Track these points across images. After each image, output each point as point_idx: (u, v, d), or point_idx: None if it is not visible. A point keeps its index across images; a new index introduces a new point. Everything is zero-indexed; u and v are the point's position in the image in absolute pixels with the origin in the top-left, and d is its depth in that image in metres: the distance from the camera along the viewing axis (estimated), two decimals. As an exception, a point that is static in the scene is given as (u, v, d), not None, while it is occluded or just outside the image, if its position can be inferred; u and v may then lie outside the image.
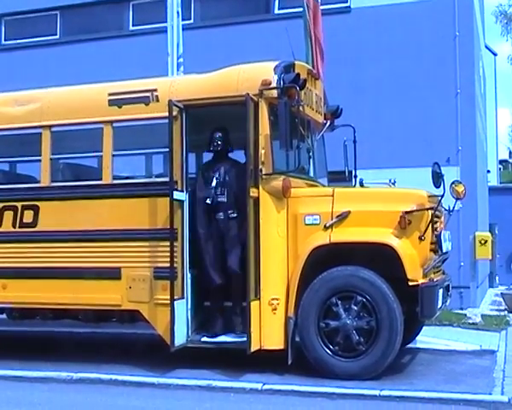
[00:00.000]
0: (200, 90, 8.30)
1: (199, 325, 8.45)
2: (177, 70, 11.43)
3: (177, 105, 8.14)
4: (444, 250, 8.23)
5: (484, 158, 18.98)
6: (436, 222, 8.01)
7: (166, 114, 8.05)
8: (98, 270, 8.49)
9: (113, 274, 8.42)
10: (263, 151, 7.87)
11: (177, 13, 11.71)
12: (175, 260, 8.01)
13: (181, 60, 11.52)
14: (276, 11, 15.23)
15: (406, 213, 7.66)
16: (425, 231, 7.67)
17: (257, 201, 7.85)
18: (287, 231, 8.00)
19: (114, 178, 8.67)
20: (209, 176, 8.40)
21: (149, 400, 7.14)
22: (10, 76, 15.12)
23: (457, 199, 8.06)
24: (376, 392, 6.98)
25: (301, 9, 10.29)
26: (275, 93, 7.89)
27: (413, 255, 7.62)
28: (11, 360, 8.72)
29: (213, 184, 8.31)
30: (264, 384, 7.37)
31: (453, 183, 7.98)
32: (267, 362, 7.94)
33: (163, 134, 8.14)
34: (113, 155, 8.59)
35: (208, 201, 8.25)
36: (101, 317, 9.14)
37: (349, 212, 7.82)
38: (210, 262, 8.28)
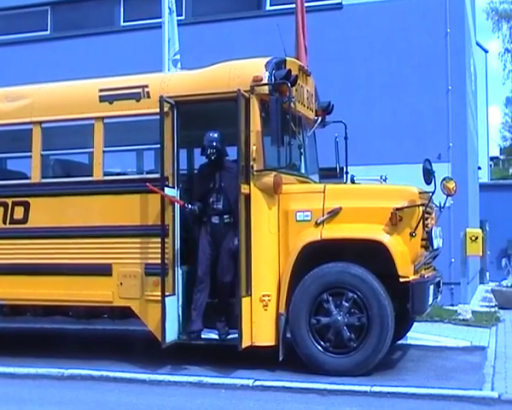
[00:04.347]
0: (191, 87, 8.28)
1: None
2: (175, 66, 11.36)
3: (168, 101, 8.12)
4: (435, 247, 8.24)
5: (475, 155, 19.03)
6: (427, 218, 8.02)
7: (157, 110, 8.04)
8: (89, 266, 8.47)
9: (104, 270, 8.40)
10: (254, 147, 7.85)
11: (170, 9, 11.65)
12: (166, 256, 8.01)
13: (178, 57, 11.46)
14: (268, 7, 15.22)
15: (397, 209, 7.67)
16: (416, 227, 7.68)
17: (248, 197, 7.85)
18: (278, 227, 8.00)
19: (105, 174, 8.63)
20: (206, 183, 8.31)
21: (140, 396, 7.13)
22: (0, 72, 15.05)
23: (448, 195, 8.05)
24: (367, 388, 6.99)
25: (293, 6, 10.32)
26: (266, 89, 7.87)
27: (404, 252, 7.62)
28: (1, 357, 8.67)
29: (210, 191, 8.23)
30: (255, 381, 7.37)
31: (444, 179, 7.97)
32: (258, 359, 7.93)
33: (154, 130, 8.12)
34: (104, 152, 8.57)
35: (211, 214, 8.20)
36: (93, 313, 9.11)
37: (340, 208, 7.83)
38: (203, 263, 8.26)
